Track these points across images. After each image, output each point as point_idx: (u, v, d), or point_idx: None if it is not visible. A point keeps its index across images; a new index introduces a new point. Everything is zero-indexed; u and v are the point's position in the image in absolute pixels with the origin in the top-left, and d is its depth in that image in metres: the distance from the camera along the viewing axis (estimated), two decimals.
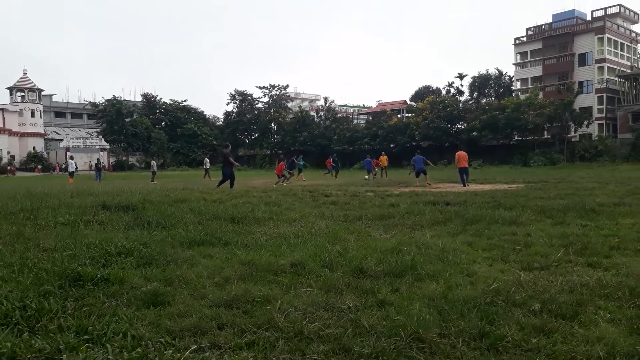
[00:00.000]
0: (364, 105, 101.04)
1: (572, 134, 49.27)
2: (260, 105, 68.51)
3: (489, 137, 49.36)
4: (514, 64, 65.15)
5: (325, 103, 65.66)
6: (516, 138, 50.92)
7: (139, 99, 73.57)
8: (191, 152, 66.60)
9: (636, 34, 64.27)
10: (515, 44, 65.28)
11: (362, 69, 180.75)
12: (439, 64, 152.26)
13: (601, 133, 51.42)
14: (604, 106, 55.66)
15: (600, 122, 54.75)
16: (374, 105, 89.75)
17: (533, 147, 48.46)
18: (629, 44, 62.04)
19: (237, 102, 68.26)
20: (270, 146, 65.75)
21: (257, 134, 68.78)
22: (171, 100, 72.05)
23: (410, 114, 59.16)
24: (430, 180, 21.82)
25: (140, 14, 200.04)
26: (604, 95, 55.91)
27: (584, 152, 45.22)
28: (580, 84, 55.99)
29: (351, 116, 74.18)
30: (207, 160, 34.40)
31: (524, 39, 65.28)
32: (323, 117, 64.10)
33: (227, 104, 70.20)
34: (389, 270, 4.63)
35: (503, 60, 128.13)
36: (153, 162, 32.33)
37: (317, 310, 3.53)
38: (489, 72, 58.01)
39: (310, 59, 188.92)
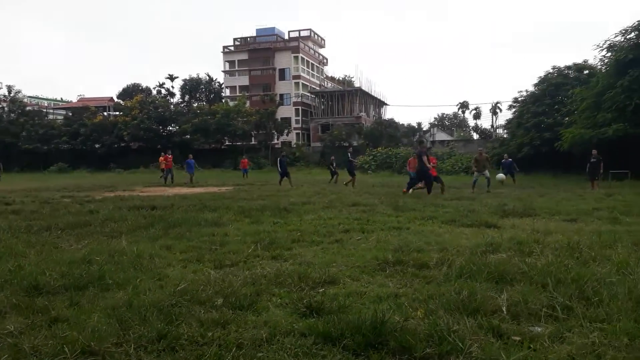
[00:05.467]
0: (62, 99, 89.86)
1: (276, 141, 55.08)
2: None
3: (202, 141, 50.76)
4: (223, 72, 68.45)
5: (10, 93, 55.51)
6: (227, 143, 53.83)
7: None
8: None
9: (323, 56, 76.24)
10: (224, 52, 68.58)
11: (60, 58, 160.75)
12: (150, 62, 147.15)
13: (298, 141, 59.22)
14: (300, 117, 64.13)
15: (297, 131, 62.82)
16: (74, 100, 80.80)
17: (242, 152, 52.12)
18: (318, 65, 73.16)
19: None
20: None
21: None
22: None
23: (117, 113, 55.72)
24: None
25: None
26: (300, 108, 64.42)
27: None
28: (281, 96, 63.11)
29: (45, 110, 64.98)
30: None
31: (232, 48, 69.39)
32: (7, 109, 54.12)
33: None
34: (71, 283, 4.19)
35: (215, 66, 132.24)
36: None
37: None
38: (200, 76, 59.74)
39: None
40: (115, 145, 50.94)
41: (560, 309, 3.36)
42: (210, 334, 2.95)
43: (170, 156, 25.56)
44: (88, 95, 79.83)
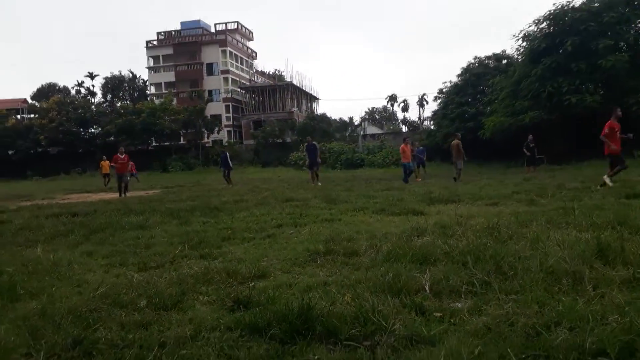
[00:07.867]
0: None
1: (206, 139, 53.70)
2: None
3: (127, 143, 48.61)
4: (147, 68, 65.84)
5: None
6: (154, 144, 51.82)
7: None
8: None
9: (252, 50, 74.89)
10: (147, 47, 65.96)
11: None
12: (67, 60, 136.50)
13: (230, 139, 58.03)
14: (230, 114, 62.87)
15: (229, 129, 61.57)
16: None
17: (171, 152, 50.40)
18: (247, 59, 71.83)
19: None
20: None
21: None
22: None
23: (33, 115, 52.16)
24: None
25: None
26: (230, 104, 63.13)
27: (217, 157, 49.91)
28: (210, 92, 61.50)
29: None
30: None
31: (156, 42, 66.74)
32: None
33: None
34: None
35: (137, 63, 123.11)
36: None
37: None
38: (123, 74, 57.13)
39: None
40: (32, 151, 47.70)
41: (479, 284, 3.52)
42: (131, 336, 2.82)
43: (123, 156, 18.66)
44: None
